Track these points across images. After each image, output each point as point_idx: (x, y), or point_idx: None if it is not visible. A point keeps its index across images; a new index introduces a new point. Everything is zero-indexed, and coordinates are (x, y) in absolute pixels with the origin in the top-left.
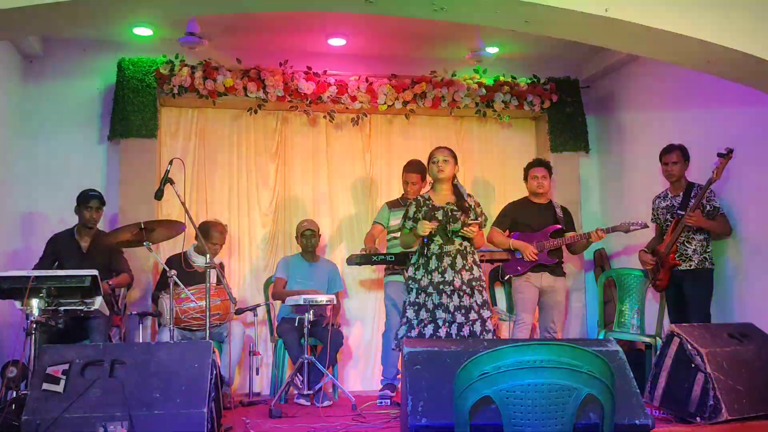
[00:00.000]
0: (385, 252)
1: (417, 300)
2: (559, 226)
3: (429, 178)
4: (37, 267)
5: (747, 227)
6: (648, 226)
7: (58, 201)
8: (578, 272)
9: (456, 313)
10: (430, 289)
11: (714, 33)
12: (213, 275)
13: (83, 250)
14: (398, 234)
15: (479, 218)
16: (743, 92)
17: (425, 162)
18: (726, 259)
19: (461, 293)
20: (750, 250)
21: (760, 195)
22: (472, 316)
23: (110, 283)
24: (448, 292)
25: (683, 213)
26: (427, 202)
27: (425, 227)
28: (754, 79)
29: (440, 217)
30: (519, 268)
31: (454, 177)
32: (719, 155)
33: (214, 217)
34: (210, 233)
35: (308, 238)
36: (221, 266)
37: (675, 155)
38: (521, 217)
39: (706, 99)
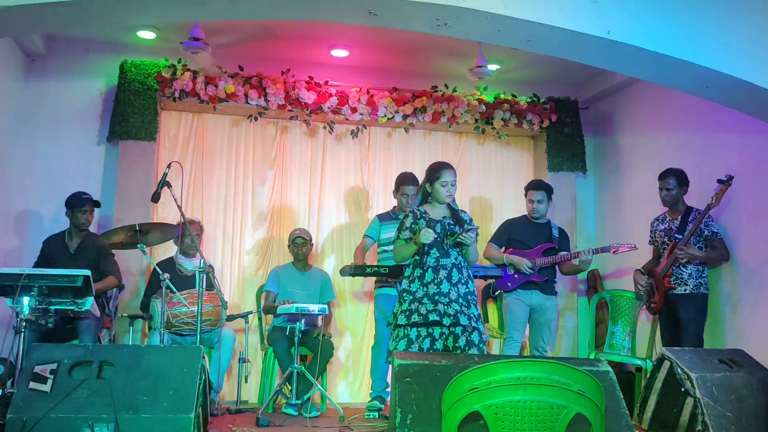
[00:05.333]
0: (377, 265)
1: (410, 307)
2: (552, 245)
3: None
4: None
5: (742, 254)
6: (636, 248)
7: (53, 200)
8: (571, 292)
9: (452, 326)
10: (425, 300)
11: (713, 59)
12: (204, 279)
13: (71, 251)
14: (389, 247)
15: (475, 226)
16: (741, 118)
17: (420, 175)
18: (721, 285)
19: (457, 305)
20: (745, 276)
21: (756, 222)
22: (472, 324)
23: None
24: (444, 303)
25: (680, 237)
26: (424, 215)
27: (429, 234)
28: (752, 106)
29: (438, 231)
30: (509, 284)
31: None
32: (719, 182)
33: (210, 221)
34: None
35: (299, 246)
36: (211, 268)
37: (670, 181)
38: (517, 235)
39: (704, 124)
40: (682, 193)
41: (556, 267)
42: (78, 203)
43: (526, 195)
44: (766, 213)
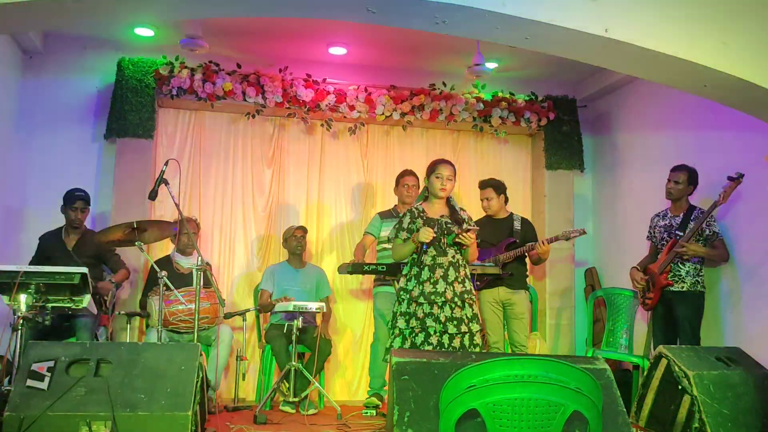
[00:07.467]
0: (375, 262)
1: (408, 310)
2: (513, 239)
3: (422, 187)
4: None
5: (742, 252)
6: (586, 233)
7: (50, 198)
8: (568, 290)
9: (447, 323)
10: (422, 300)
11: (712, 58)
12: (201, 277)
13: (69, 248)
14: (388, 245)
15: (475, 227)
16: (738, 117)
17: (418, 172)
18: (720, 283)
19: (452, 305)
20: (745, 275)
21: (756, 220)
22: (463, 328)
23: (113, 280)
24: (440, 303)
25: (682, 234)
26: (422, 214)
27: (428, 233)
28: (750, 105)
29: (436, 229)
30: (478, 283)
31: None
32: (729, 179)
33: (207, 219)
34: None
35: (299, 239)
36: (209, 266)
37: (680, 175)
38: (483, 235)
39: (702, 122)
40: (688, 190)
41: (526, 260)
42: (69, 200)
43: None
44: (765, 211)
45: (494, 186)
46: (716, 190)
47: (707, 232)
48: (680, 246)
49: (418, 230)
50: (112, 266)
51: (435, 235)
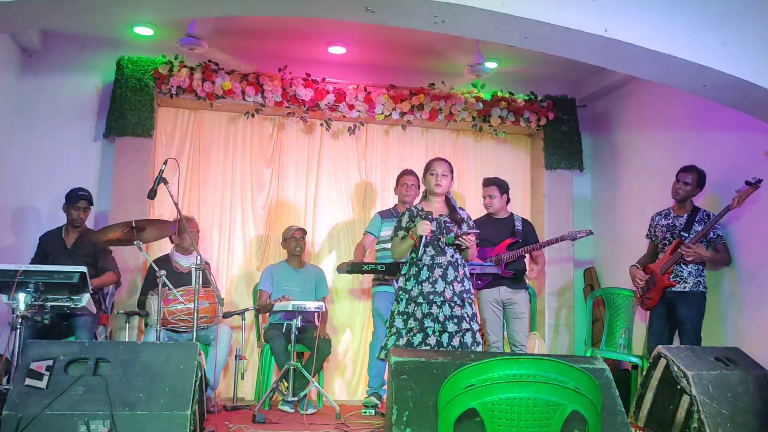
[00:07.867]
0: (374, 262)
1: (406, 309)
2: (515, 239)
3: (422, 188)
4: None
5: (744, 254)
6: (593, 233)
7: (50, 196)
8: (567, 290)
9: (447, 323)
10: (420, 299)
11: (711, 58)
12: (200, 276)
13: (68, 246)
14: (388, 245)
15: (475, 229)
16: (738, 117)
17: (419, 172)
18: (722, 285)
19: (452, 304)
20: (746, 277)
21: (757, 223)
22: (464, 326)
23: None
24: (438, 303)
25: (686, 235)
26: (420, 212)
27: (425, 226)
28: (749, 105)
29: (434, 228)
30: (479, 282)
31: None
32: (747, 183)
33: (206, 218)
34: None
35: (298, 240)
36: (207, 265)
37: (689, 176)
38: (483, 234)
39: (701, 122)
40: (695, 192)
41: (526, 259)
42: (72, 199)
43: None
44: (766, 214)
45: (498, 185)
46: (715, 191)
47: (711, 235)
48: (686, 247)
49: (416, 226)
50: (101, 266)
51: (433, 229)
